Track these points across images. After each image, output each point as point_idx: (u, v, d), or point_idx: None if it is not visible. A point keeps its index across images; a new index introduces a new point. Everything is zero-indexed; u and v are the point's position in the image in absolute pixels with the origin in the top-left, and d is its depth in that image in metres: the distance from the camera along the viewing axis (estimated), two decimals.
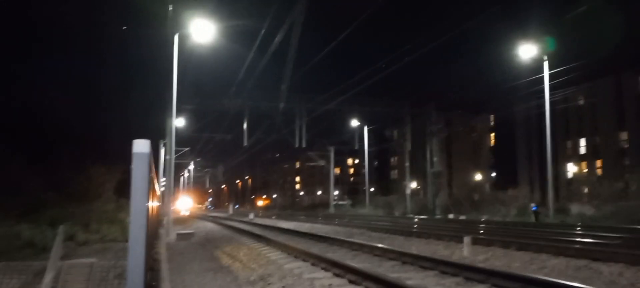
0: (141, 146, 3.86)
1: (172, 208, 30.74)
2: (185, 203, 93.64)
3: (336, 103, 40.44)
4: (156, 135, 34.39)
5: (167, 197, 27.34)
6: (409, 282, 7.82)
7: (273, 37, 19.31)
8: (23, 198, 28.13)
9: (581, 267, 9.90)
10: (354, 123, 52.12)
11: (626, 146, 52.35)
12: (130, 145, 3.85)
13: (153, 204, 8.65)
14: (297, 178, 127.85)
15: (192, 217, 54.37)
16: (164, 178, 32.91)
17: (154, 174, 6.48)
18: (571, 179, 56.43)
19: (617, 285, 8.08)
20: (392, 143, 79.19)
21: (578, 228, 20.44)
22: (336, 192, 78.82)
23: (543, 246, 12.59)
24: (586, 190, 46.17)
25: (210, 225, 34.09)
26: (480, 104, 62.00)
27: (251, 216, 44.11)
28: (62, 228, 22.08)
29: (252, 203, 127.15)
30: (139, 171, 3.81)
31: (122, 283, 18.21)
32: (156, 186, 10.38)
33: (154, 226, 11.12)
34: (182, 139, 47.32)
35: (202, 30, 22.28)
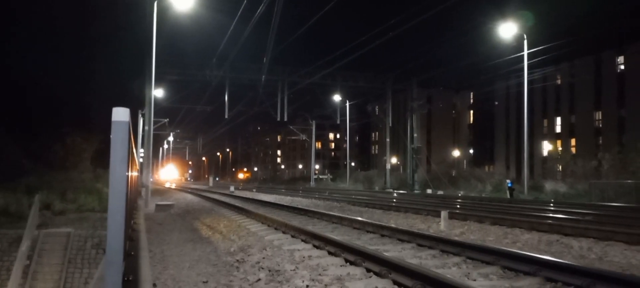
0: (120, 114, 3.80)
1: (152, 178, 30.53)
2: (169, 174, 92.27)
3: (318, 77, 40.33)
4: (136, 105, 33.95)
5: (146, 168, 27.14)
6: (386, 254, 7.96)
7: (256, 6, 19.06)
8: None
9: (553, 241, 10.19)
10: (336, 98, 52.12)
11: (600, 126, 53.47)
12: (109, 115, 3.81)
13: (132, 174, 8.60)
14: (278, 152, 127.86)
15: (172, 189, 54.11)
16: (142, 150, 32.61)
17: (132, 144, 6.43)
18: (546, 157, 57.54)
19: (586, 258, 8.35)
20: (373, 118, 79.52)
21: (551, 205, 20.96)
22: (317, 166, 79.13)
23: (517, 221, 12.91)
24: (560, 168, 47.21)
25: (189, 197, 34.02)
26: (461, 81, 62.57)
27: (231, 188, 44.08)
28: (38, 197, 21.85)
29: (233, 176, 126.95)
30: (118, 140, 3.77)
31: (100, 253, 18.19)
32: (135, 156, 10.29)
33: (133, 196, 11.06)
34: (162, 109, 46.80)
35: None
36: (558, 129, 58.57)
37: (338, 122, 55.69)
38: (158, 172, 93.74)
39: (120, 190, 3.86)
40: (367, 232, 11.78)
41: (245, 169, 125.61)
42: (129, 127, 3.99)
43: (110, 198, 3.83)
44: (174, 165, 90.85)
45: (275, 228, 12.68)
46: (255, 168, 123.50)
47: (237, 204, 22.03)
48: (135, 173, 11.07)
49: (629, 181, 26.59)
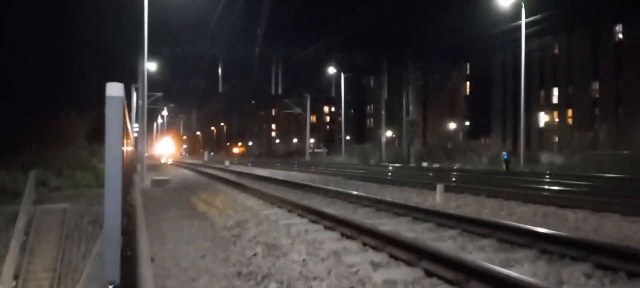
0: (114, 89, 3.74)
1: (148, 153, 30.37)
2: (166, 147, 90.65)
3: (313, 49, 40.04)
4: (129, 79, 33.64)
5: (141, 143, 27.05)
6: (382, 228, 7.99)
7: None
8: None
9: (549, 213, 10.25)
10: (331, 70, 51.80)
11: (597, 96, 53.42)
12: (102, 89, 3.75)
13: (127, 149, 8.54)
14: (273, 126, 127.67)
15: (167, 164, 54.07)
16: (137, 124, 32.47)
17: (127, 119, 6.36)
18: (543, 129, 57.63)
19: (581, 230, 8.40)
20: (368, 92, 79.23)
21: (547, 177, 21.07)
22: (312, 140, 79.09)
23: (513, 193, 12.95)
24: (557, 139, 47.34)
25: (185, 172, 34.01)
26: (458, 53, 62.19)
27: (227, 163, 44.07)
28: (33, 173, 21.78)
29: (228, 150, 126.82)
30: (113, 115, 3.71)
31: (97, 229, 18.22)
32: (130, 131, 10.21)
33: (129, 172, 11.01)
34: (156, 83, 46.47)
35: None
36: (555, 100, 58.51)
37: (333, 95, 55.53)
38: (153, 146, 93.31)
39: (116, 167, 3.82)
40: (363, 206, 11.81)
41: (240, 144, 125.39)
42: (123, 101, 3.93)
43: (106, 176, 3.79)
44: (170, 139, 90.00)
45: (271, 203, 12.69)
46: (250, 143, 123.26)
47: (232, 179, 22.04)
48: (130, 149, 11.02)
49: (625, 152, 26.72)
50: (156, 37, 30.60)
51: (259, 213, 11.04)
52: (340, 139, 62.74)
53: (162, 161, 55.13)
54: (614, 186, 15.95)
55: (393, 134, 66.69)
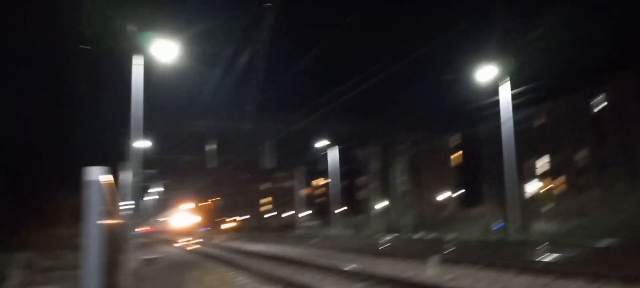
0: (94, 173, 3.78)
1: (146, 228, 29.72)
2: (184, 218, 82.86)
3: (305, 123, 40.45)
4: (121, 157, 33.64)
5: (132, 221, 26.69)
6: None
7: (239, 57, 19.25)
8: None
9: (546, 284, 10.06)
10: (323, 143, 52.17)
11: (585, 163, 53.94)
12: (93, 167, 3.80)
13: (115, 228, 8.41)
14: (267, 199, 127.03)
15: (160, 241, 53.09)
16: (131, 202, 32.15)
17: (115, 199, 6.31)
18: (533, 197, 57.72)
19: None
20: (362, 162, 79.58)
21: (541, 245, 20.83)
22: (308, 212, 78.43)
23: (508, 264, 12.76)
24: (548, 207, 47.30)
25: (173, 250, 33.41)
26: (447, 123, 63.10)
27: (216, 241, 43.40)
28: (19, 256, 21.24)
29: (219, 225, 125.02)
30: (91, 199, 3.74)
31: None
32: (119, 210, 10.08)
33: (116, 251, 10.77)
34: (149, 160, 46.39)
35: (165, 51, 21.94)
36: (545, 168, 59.01)
37: (327, 167, 55.61)
38: (154, 220, 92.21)
39: (94, 249, 3.81)
40: (356, 282, 11.56)
41: (227, 219, 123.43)
42: (101, 185, 3.94)
43: (85, 257, 3.76)
44: (192, 204, 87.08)
45: (263, 281, 12.39)
46: (241, 217, 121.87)
47: (224, 256, 21.64)
48: (119, 227, 10.84)
49: (619, 217, 26.58)
50: (149, 115, 31.02)
51: None
52: (333, 210, 62.27)
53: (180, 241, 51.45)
54: (608, 254, 15.79)
55: (387, 203, 66.44)
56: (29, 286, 19.58)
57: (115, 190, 5.19)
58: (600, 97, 52.43)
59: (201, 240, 50.91)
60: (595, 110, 52.55)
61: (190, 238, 57.24)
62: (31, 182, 35.31)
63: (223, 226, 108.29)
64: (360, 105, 64.52)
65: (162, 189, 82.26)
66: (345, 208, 75.58)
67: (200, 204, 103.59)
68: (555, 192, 53.13)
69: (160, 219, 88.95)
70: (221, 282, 13.07)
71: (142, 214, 46.20)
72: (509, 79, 30.10)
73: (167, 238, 65.03)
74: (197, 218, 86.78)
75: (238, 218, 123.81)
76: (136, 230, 28.11)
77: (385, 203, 66.24)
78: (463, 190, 70.27)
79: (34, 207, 32.32)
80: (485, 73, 30.44)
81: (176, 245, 39.73)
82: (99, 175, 3.77)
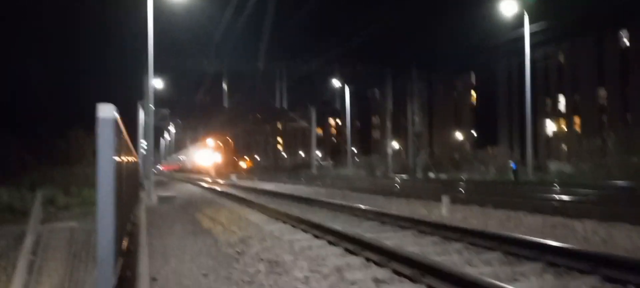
0: (106, 111, 3.75)
1: (159, 168, 30.34)
2: (203, 157, 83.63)
3: (317, 63, 40.10)
4: (136, 96, 33.86)
5: (147, 160, 27.12)
6: (386, 242, 7.89)
7: None
8: (2, 162, 27.68)
9: (557, 224, 10.09)
10: (336, 83, 51.80)
11: (605, 103, 53.03)
12: (104, 104, 3.77)
13: (130, 166, 8.52)
14: (279, 140, 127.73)
15: (175, 179, 54.12)
16: (144, 141, 32.59)
17: (125, 137, 6.34)
18: (550, 137, 57.22)
19: (590, 242, 8.25)
20: (374, 103, 79.17)
21: (555, 186, 20.83)
22: (319, 153, 78.85)
23: (520, 204, 12.79)
24: (565, 147, 46.95)
25: (192, 188, 34.03)
26: (463, 62, 61.99)
27: (233, 178, 44.04)
28: (41, 192, 21.82)
29: (234, 164, 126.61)
30: (103, 136, 3.72)
31: None
32: (132, 148, 10.19)
33: (132, 190, 10.98)
34: (162, 100, 46.63)
35: None
36: (562, 108, 58.14)
37: (338, 107, 55.47)
38: (175, 158, 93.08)
39: (108, 188, 3.81)
40: (368, 219, 11.71)
41: (246, 158, 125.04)
42: (114, 122, 3.92)
43: (98, 197, 3.77)
44: (214, 142, 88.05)
45: (276, 218, 12.61)
46: (257, 157, 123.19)
47: (238, 194, 22.00)
48: (133, 165, 11.00)
49: (635, 159, 26.35)
50: (161, 54, 30.91)
51: (262, 228, 10.97)
52: (346, 150, 62.50)
53: (172, 175, 53.59)
54: (623, 194, 15.74)
55: (399, 145, 66.51)
56: (51, 222, 20.22)
57: (122, 129, 5.19)
58: (624, 38, 50.89)
59: (218, 179, 51.83)
60: (619, 48, 51.13)
61: (209, 177, 58.29)
62: (50, 123, 35.83)
63: (240, 164, 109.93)
64: (373, 45, 63.44)
65: (180, 130, 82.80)
66: (358, 148, 75.89)
67: (218, 143, 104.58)
68: (573, 132, 52.61)
69: (181, 158, 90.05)
70: (233, 219, 13.33)
71: (162, 153, 46.88)
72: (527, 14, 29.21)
73: (186, 176, 66.28)
74: (216, 157, 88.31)
75: (254, 157, 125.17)
76: (158, 167, 28.60)
77: (398, 144, 66.32)
78: (477, 131, 69.89)
79: (52, 145, 32.91)
80: (506, 7, 29.54)
81: (193, 183, 40.50)
82: (111, 112, 3.75)
